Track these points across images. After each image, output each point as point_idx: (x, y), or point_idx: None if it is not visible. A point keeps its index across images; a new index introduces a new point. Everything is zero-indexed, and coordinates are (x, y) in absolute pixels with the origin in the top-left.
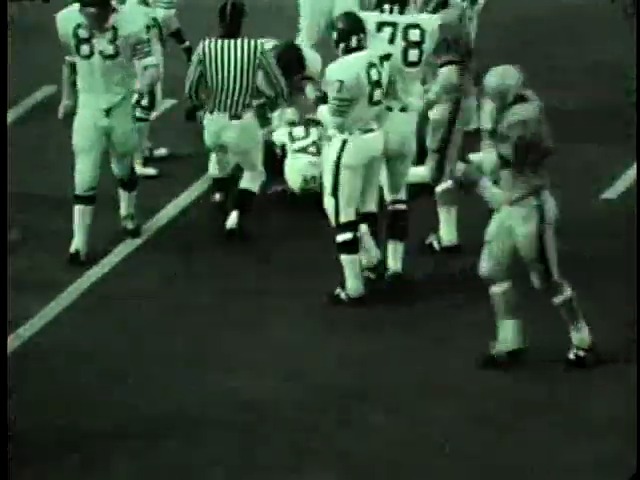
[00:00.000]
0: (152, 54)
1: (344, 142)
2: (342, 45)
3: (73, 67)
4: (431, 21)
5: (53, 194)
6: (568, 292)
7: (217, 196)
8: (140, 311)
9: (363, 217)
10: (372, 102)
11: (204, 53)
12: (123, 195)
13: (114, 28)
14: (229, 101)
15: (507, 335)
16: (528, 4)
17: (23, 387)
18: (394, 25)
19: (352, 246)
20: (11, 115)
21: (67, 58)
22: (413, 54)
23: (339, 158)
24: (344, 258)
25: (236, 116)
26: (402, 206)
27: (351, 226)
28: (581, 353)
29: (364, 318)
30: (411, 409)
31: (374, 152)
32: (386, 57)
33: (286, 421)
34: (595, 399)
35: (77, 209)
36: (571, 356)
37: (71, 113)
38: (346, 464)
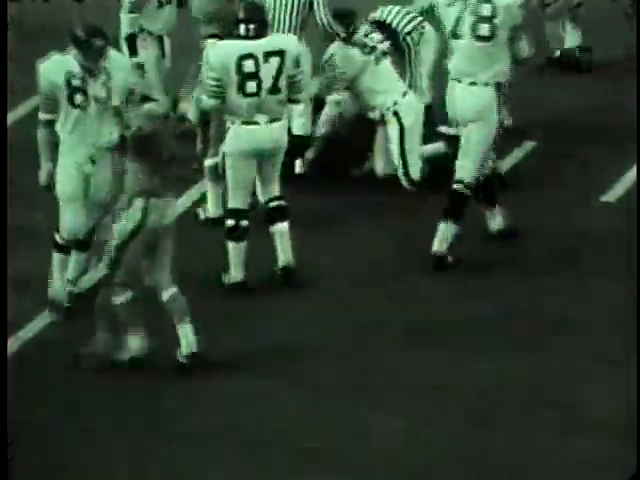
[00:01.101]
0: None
1: (228, 130)
2: (234, 31)
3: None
4: None
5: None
6: (122, 297)
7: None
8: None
9: (271, 210)
10: (245, 93)
11: None
12: (75, 256)
13: (106, 71)
14: (285, 29)
15: (135, 344)
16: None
17: (23, 388)
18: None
19: (235, 234)
20: (12, 116)
21: (44, 117)
22: (483, 28)
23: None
24: (228, 244)
25: None
26: (460, 187)
27: (237, 214)
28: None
29: (363, 319)
30: (410, 410)
31: (258, 144)
32: (278, 53)
33: (286, 421)
34: (595, 398)
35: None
36: (119, 357)
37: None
38: (346, 464)
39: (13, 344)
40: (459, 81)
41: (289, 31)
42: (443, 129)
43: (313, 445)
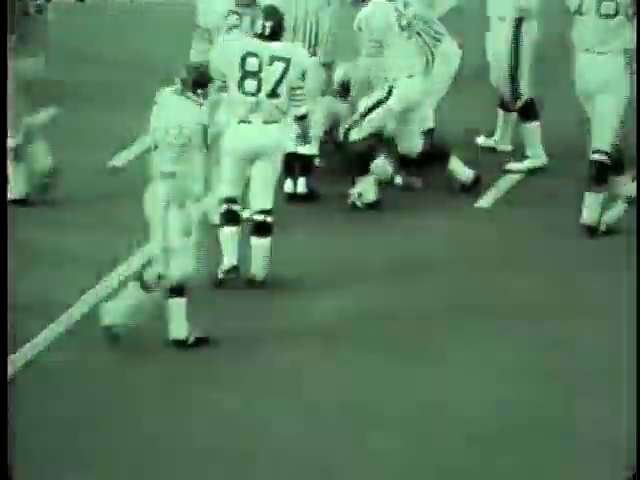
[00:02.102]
0: None
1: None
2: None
3: None
4: None
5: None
6: None
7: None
8: (142, 328)
9: (254, 223)
10: (243, 91)
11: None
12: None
13: None
14: (307, 34)
15: None
16: None
17: (26, 405)
18: None
19: (227, 216)
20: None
21: (171, 169)
22: (607, 6)
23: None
24: (220, 232)
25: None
26: (599, 156)
27: (229, 200)
28: None
29: (363, 334)
30: (408, 426)
31: (249, 144)
32: (284, 59)
33: (286, 422)
34: (594, 398)
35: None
36: None
37: None
38: (346, 464)
39: (16, 363)
40: (586, 52)
41: (315, 40)
42: (480, 140)
43: (313, 445)
